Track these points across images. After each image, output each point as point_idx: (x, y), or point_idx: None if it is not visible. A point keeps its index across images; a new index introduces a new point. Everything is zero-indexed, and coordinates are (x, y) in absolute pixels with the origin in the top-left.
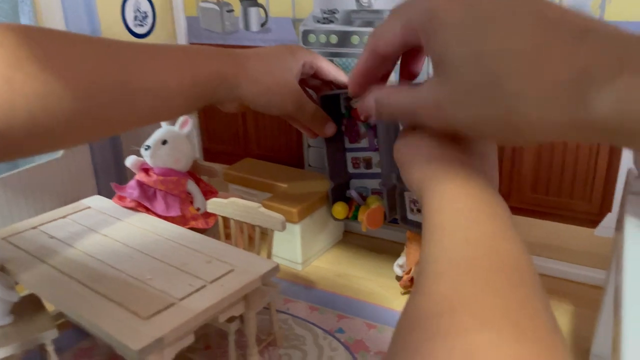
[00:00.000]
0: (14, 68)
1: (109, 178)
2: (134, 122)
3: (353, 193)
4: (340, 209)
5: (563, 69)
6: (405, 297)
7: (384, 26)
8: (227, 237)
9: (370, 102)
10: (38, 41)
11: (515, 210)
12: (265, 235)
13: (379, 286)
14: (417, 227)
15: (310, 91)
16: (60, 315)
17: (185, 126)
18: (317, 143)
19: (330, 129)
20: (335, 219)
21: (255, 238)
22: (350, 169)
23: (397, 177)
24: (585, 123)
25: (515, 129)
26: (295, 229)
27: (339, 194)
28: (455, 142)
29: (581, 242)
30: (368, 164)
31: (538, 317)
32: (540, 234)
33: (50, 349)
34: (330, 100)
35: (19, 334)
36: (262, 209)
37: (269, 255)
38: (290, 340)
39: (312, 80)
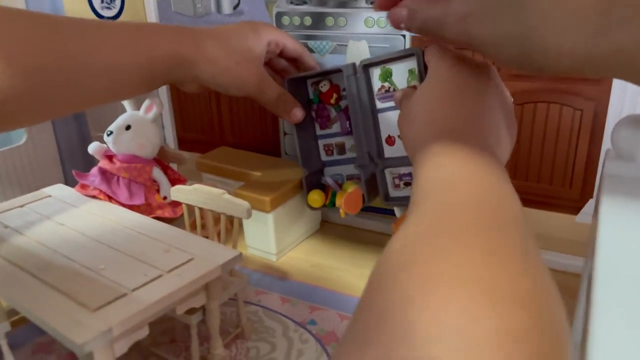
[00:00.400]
0: None
1: (76, 166)
2: (87, 102)
3: (328, 179)
4: (316, 197)
5: None
6: None
7: None
8: (194, 226)
9: (402, 12)
10: None
11: None
12: (239, 224)
13: (354, 277)
14: (401, 202)
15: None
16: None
17: (150, 111)
18: (293, 130)
19: (297, 114)
20: (312, 208)
21: (221, 226)
22: (324, 157)
23: (377, 154)
24: (600, 54)
25: (532, 52)
26: (268, 218)
27: (313, 182)
28: (454, 108)
29: (563, 229)
30: (341, 149)
31: (511, 246)
32: None
33: (3, 342)
34: (297, 84)
35: None
36: (227, 196)
37: (235, 245)
38: (259, 332)
39: (279, 62)
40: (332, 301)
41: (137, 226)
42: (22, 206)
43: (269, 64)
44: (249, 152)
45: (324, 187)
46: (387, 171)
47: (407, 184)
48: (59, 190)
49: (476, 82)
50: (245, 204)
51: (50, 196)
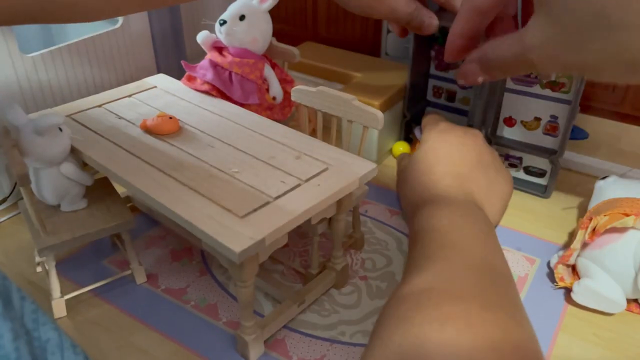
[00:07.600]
0: None
1: (168, 54)
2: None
3: (417, 133)
4: (401, 149)
5: None
6: None
7: None
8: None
9: (472, 66)
10: None
11: (630, 118)
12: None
13: None
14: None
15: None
16: (126, 199)
17: (265, 1)
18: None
19: (433, 24)
20: (395, 158)
21: (348, 134)
22: (430, 97)
23: (491, 131)
24: None
25: (628, 66)
26: None
27: (410, 128)
28: (448, 166)
29: None
30: (451, 97)
31: (506, 298)
32: None
33: (126, 237)
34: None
35: (95, 221)
36: (357, 102)
37: (359, 154)
38: (371, 244)
39: None
40: None
41: (257, 127)
42: (129, 96)
43: None
44: (342, 49)
45: (410, 141)
46: (494, 147)
47: (512, 165)
48: (163, 80)
49: (465, 144)
50: (378, 113)
51: (155, 87)
